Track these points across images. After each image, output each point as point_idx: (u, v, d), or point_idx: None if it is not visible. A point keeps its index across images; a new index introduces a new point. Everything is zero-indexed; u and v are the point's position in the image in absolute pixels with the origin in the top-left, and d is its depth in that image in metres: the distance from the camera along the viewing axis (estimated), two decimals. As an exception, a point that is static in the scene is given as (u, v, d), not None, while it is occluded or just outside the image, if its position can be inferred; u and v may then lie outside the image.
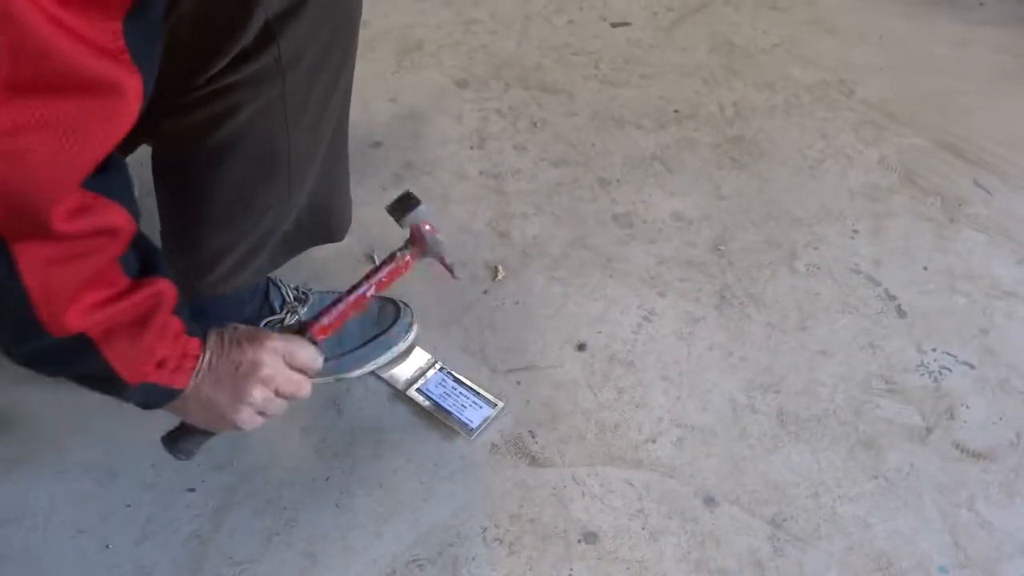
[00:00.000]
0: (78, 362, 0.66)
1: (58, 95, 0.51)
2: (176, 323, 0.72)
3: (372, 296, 0.91)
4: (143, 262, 0.69)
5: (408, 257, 0.93)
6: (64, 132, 0.52)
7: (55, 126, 0.51)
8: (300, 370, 0.82)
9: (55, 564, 0.92)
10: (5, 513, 0.96)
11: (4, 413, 1.05)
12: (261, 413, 0.80)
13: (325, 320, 0.89)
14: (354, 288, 0.91)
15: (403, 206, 0.92)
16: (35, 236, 0.56)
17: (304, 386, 0.82)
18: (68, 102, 0.51)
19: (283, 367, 0.80)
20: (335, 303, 0.90)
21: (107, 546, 0.94)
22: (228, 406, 0.78)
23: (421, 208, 0.92)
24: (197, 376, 0.75)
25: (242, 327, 0.80)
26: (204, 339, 0.76)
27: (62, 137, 0.52)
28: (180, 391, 0.74)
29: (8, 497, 0.97)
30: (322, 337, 0.88)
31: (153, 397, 0.73)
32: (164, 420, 0.83)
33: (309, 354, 0.83)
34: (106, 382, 0.69)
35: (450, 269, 0.96)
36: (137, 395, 0.72)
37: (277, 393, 0.80)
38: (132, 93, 0.54)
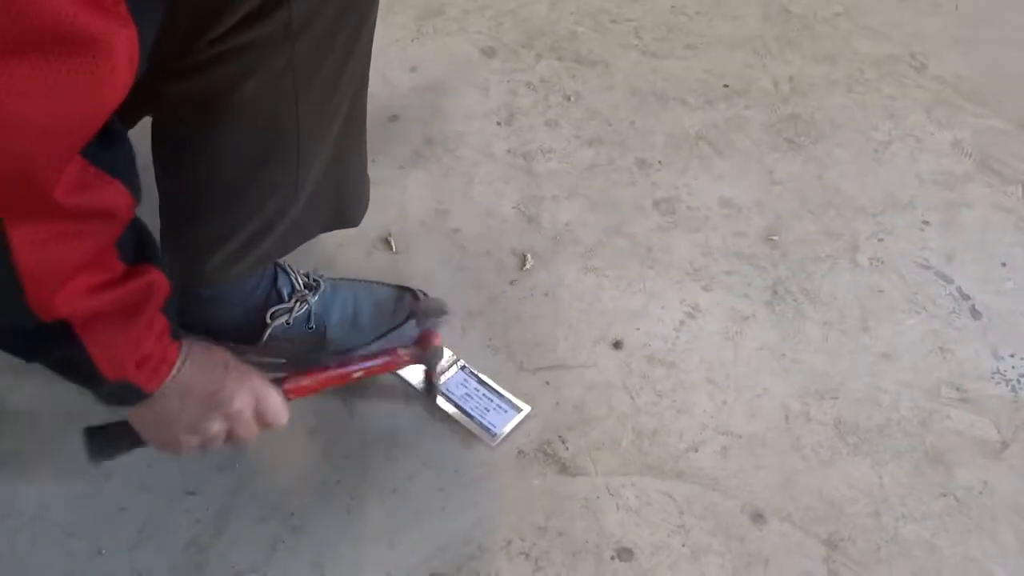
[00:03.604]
0: (57, 349, 0.67)
1: (42, 55, 0.50)
2: (163, 321, 0.73)
3: (358, 377, 1.00)
4: (138, 248, 0.70)
5: (407, 356, 1.02)
6: (52, 96, 0.51)
7: (41, 90, 0.51)
8: (263, 419, 0.86)
9: (44, 569, 0.94)
10: (-9, 512, 0.98)
11: (-8, 406, 1.07)
12: (203, 445, 0.83)
13: (305, 381, 0.95)
14: (344, 363, 0.99)
15: (434, 311, 1.06)
16: (31, 211, 0.56)
17: (254, 436, 0.87)
18: (54, 62, 0.50)
19: (249, 412, 0.84)
20: (320, 369, 0.97)
21: (100, 551, 0.96)
22: (182, 426, 0.80)
23: (443, 321, 1.05)
24: (168, 384, 0.76)
25: (231, 354, 0.83)
26: (185, 347, 0.77)
27: (51, 102, 0.52)
28: (148, 395, 0.75)
29: (-6, 495, 0.99)
30: (294, 398, 0.93)
31: (124, 395, 0.75)
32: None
33: (278, 411, 0.87)
34: (82, 373, 0.70)
35: (436, 388, 1.06)
36: (109, 389, 0.73)
37: (228, 433, 0.84)
38: (123, 50, 0.53)
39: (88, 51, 0.52)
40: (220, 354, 0.82)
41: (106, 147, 0.59)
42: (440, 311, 1.06)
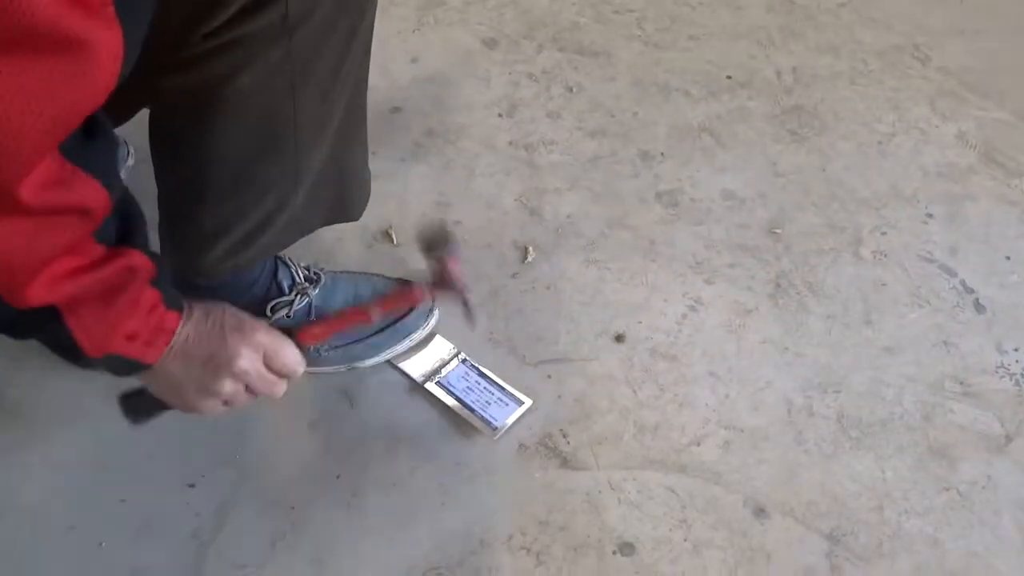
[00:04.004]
0: (40, 330, 0.68)
1: (21, 54, 0.49)
2: (151, 296, 0.73)
3: (376, 316, 0.96)
4: (122, 230, 0.69)
5: (424, 290, 0.98)
6: (28, 97, 0.51)
7: (17, 89, 0.50)
8: (279, 372, 0.84)
9: (44, 562, 0.94)
10: (-10, 505, 0.98)
11: (-9, 397, 1.06)
12: (227, 403, 0.82)
13: (317, 328, 0.92)
14: (359, 307, 0.97)
15: (440, 239, 0.96)
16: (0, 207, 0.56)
17: (278, 388, 0.85)
18: (33, 62, 0.50)
19: (260, 365, 0.82)
20: (334, 315, 0.94)
21: (100, 544, 0.95)
22: (193, 391, 0.80)
23: (455, 245, 0.96)
24: (169, 353, 0.76)
25: (231, 311, 0.81)
26: (184, 314, 0.77)
27: (26, 102, 0.51)
28: (149, 365, 0.75)
29: (-6, 489, 0.99)
30: (311, 343, 0.91)
31: (120, 368, 0.75)
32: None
33: (292, 357, 0.85)
34: (67, 351, 0.70)
35: (472, 312, 0.99)
36: (100, 365, 0.73)
37: (247, 388, 0.82)
38: (106, 52, 0.53)
39: (69, 52, 0.51)
40: (220, 315, 0.80)
41: (87, 143, 0.59)
42: (444, 237, 0.97)
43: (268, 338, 0.83)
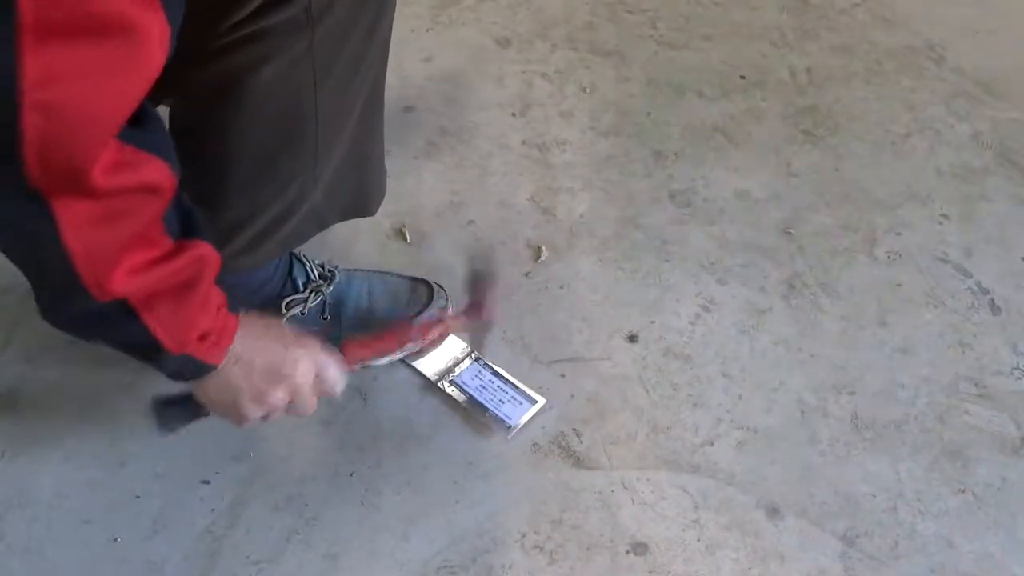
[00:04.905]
0: (118, 327, 0.69)
1: (85, 39, 0.51)
2: (219, 295, 0.75)
3: (411, 344, 1.02)
4: (183, 223, 0.70)
5: (458, 322, 1.02)
6: (94, 79, 0.53)
7: (84, 73, 0.52)
8: (321, 389, 0.86)
9: (60, 555, 0.94)
10: (9, 500, 0.98)
11: (10, 393, 1.07)
12: (266, 416, 0.84)
13: (361, 350, 0.96)
14: (398, 330, 1.02)
15: (488, 270, 1.00)
16: (74, 193, 0.58)
17: (313, 405, 0.87)
18: (96, 47, 0.52)
19: (309, 382, 0.84)
20: (375, 337, 0.99)
21: (115, 539, 0.96)
22: (247, 397, 0.81)
23: (498, 279, 1.00)
24: (231, 356, 0.77)
25: (282, 324, 0.84)
26: (240, 319, 0.78)
27: (92, 85, 0.53)
28: (214, 367, 0.77)
29: (12, 483, 1.00)
30: (354, 364, 0.93)
31: (189, 369, 0.76)
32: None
33: (336, 379, 0.87)
34: (146, 350, 0.72)
35: (485, 346, 1.05)
36: (174, 364, 0.74)
37: (291, 402, 0.84)
38: (156, 35, 0.55)
39: (127, 36, 0.53)
40: (277, 325, 0.83)
41: (139, 127, 0.60)
42: (492, 269, 1.00)
43: (324, 356, 0.85)
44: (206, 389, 0.81)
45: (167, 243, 0.68)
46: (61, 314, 0.69)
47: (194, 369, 0.76)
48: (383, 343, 0.98)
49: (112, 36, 0.53)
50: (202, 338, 0.74)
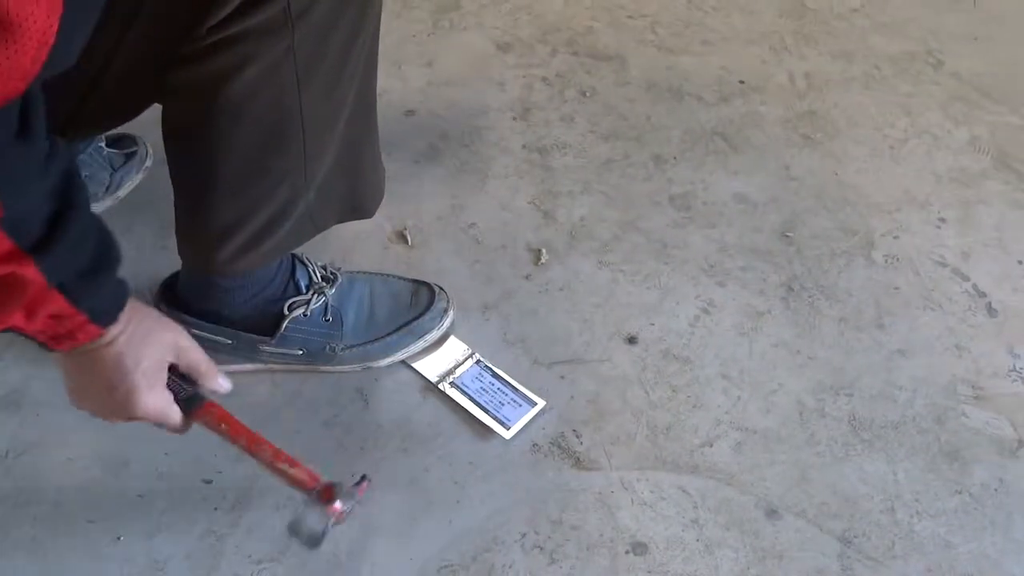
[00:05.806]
0: None
1: None
2: (57, 301, 0.69)
3: (267, 458, 0.89)
4: (49, 228, 0.65)
5: (310, 482, 0.89)
6: None
7: None
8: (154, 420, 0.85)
9: (64, 554, 0.95)
10: (13, 499, 0.99)
11: (14, 394, 1.07)
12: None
13: (216, 421, 0.88)
14: (258, 439, 0.89)
15: (347, 496, 0.90)
16: None
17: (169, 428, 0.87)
18: None
19: (143, 418, 0.84)
20: (237, 422, 0.89)
21: (118, 538, 0.96)
22: (87, 404, 0.84)
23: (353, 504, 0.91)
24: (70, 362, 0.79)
25: (163, 347, 0.82)
26: (104, 335, 0.76)
27: None
28: (51, 350, 0.75)
29: (16, 482, 1.00)
30: (195, 421, 0.88)
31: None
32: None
33: (167, 421, 0.86)
34: None
35: (320, 540, 0.91)
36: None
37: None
38: (34, 33, 0.50)
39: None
40: (148, 350, 0.79)
41: (9, 145, 0.57)
42: (351, 498, 0.90)
43: (164, 401, 0.84)
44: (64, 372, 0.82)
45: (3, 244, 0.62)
46: None
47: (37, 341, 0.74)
48: (233, 431, 0.88)
49: None
50: (21, 330, 0.70)
